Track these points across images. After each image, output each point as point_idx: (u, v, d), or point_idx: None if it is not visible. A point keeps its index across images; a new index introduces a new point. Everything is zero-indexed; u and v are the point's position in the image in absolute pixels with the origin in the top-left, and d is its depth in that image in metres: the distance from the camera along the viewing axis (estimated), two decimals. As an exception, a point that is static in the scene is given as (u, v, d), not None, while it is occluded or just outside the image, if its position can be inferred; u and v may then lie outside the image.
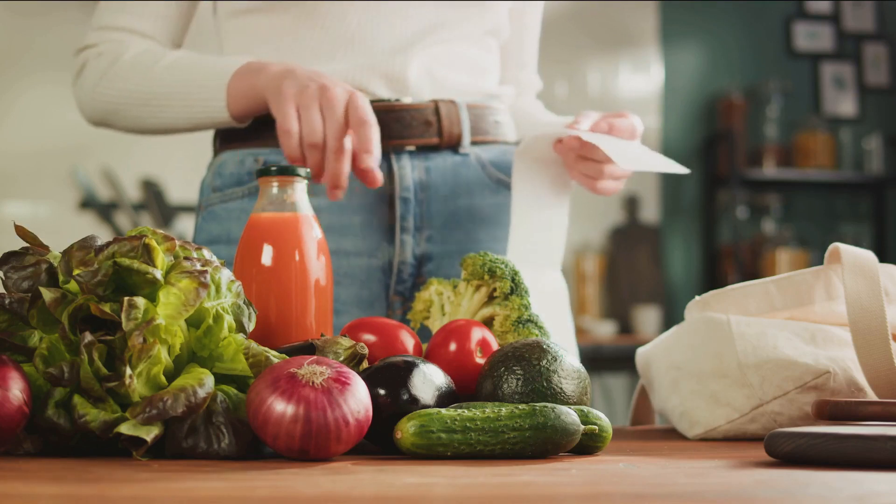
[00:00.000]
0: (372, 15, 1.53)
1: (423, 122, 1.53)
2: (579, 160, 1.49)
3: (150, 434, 0.89)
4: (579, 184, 1.54)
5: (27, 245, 1.00)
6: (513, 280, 1.21)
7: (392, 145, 1.51)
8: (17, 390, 0.88)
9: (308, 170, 1.23)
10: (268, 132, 1.51)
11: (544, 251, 1.52)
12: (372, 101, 1.51)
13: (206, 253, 1.04)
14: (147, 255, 0.96)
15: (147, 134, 1.59)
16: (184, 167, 4.20)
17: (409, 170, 1.53)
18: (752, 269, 5.39)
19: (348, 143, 1.35)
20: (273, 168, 1.22)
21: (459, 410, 0.95)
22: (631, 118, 1.51)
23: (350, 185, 1.50)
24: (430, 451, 0.93)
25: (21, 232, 1.00)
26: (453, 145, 1.56)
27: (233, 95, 1.46)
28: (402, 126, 1.52)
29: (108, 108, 1.56)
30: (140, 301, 0.93)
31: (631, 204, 5.40)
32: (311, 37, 1.52)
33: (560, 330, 1.50)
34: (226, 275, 1.02)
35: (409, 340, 1.14)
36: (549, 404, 0.96)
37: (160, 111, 1.52)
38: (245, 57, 1.49)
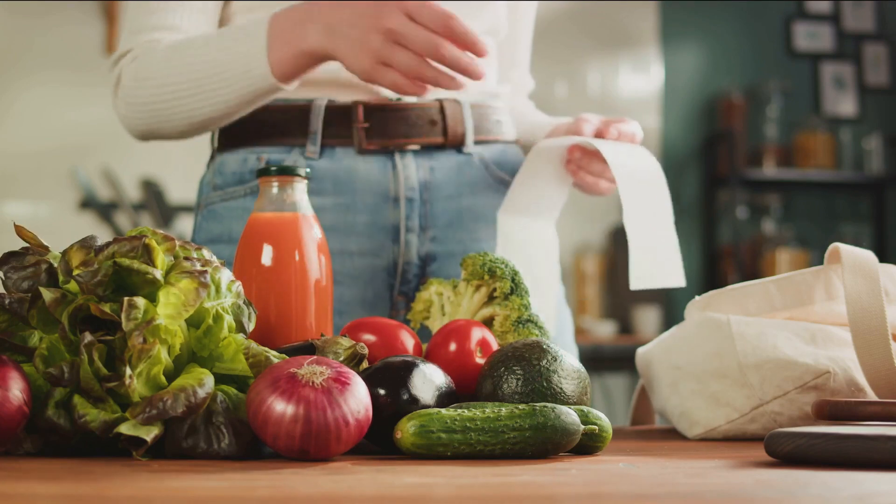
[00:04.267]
0: None
1: (429, 122, 1.53)
2: (585, 158, 1.49)
3: (149, 434, 0.89)
4: (579, 183, 1.54)
5: (27, 245, 1.00)
6: (513, 280, 1.21)
7: (397, 144, 1.51)
8: (17, 390, 0.89)
9: (308, 170, 1.23)
10: (270, 131, 1.51)
11: (539, 205, 1.51)
12: (376, 101, 1.50)
13: (206, 253, 1.04)
14: (147, 255, 0.96)
15: (200, 131, 1.52)
16: (184, 167, 4.20)
17: (414, 169, 1.53)
18: (752, 269, 5.39)
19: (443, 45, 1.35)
20: (273, 168, 1.22)
21: (459, 410, 0.95)
22: (633, 124, 1.51)
23: (353, 184, 1.50)
24: (430, 451, 0.93)
25: (21, 232, 1.00)
26: (457, 145, 1.56)
27: (276, 62, 1.42)
28: (407, 125, 1.51)
29: (154, 112, 1.49)
30: (140, 301, 0.93)
31: (631, 204, 5.40)
32: None
33: (546, 279, 1.50)
34: (226, 275, 1.02)
35: (409, 340, 1.14)
36: (549, 404, 0.96)
37: (213, 95, 1.46)
38: (257, 16, 1.45)
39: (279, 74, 1.43)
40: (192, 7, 1.53)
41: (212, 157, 1.60)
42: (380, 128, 1.50)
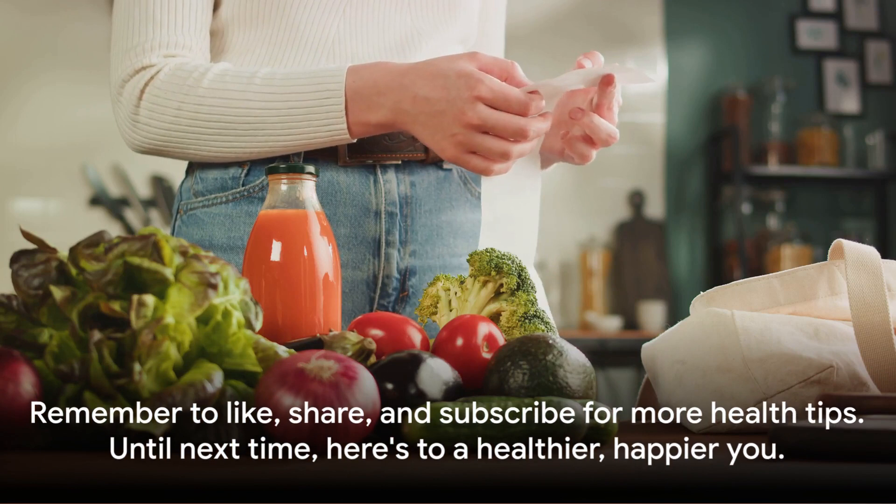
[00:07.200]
0: (351, 26, 1.52)
1: (410, 137, 1.53)
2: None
3: (159, 429, 0.90)
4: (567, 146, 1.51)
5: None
6: (519, 276, 1.22)
7: (378, 159, 1.52)
8: (28, 385, 0.89)
9: (316, 168, 1.24)
10: None
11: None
12: None
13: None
14: (157, 253, 0.96)
15: (217, 161, 1.50)
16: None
17: (395, 184, 1.53)
18: (757, 264, 5.39)
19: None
20: (282, 166, 1.23)
21: (466, 405, 0.95)
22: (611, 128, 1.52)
23: (335, 197, 1.50)
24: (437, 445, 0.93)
25: (28, 236, 1.01)
26: (438, 160, 1.57)
27: (353, 124, 1.41)
28: (389, 141, 1.52)
29: (188, 138, 1.46)
30: (149, 299, 0.93)
31: (636, 200, 5.41)
32: (291, 48, 1.51)
33: (528, 224, 1.51)
34: (233, 272, 1.02)
35: (416, 335, 1.15)
36: (555, 398, 0.97)
37: (269, 137, 1.44)
38: (338, 68, 1.43)
39: (354, 135, 1.43)
40: (196, 23, 1.50)
41: (192, 164, 1.59)
42: (362, 142, 1.50)
